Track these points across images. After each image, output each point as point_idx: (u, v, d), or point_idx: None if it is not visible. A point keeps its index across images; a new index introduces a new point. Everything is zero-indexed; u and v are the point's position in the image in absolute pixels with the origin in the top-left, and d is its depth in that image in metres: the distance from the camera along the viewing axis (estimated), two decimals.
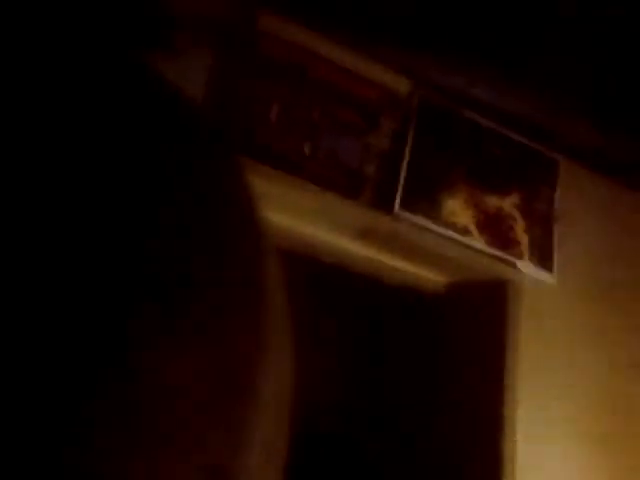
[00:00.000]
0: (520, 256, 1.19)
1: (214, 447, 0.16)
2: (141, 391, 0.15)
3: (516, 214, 1.21)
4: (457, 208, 1.17)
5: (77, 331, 0.15)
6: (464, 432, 1.18)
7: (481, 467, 1.11)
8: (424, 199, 1.16)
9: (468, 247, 1.16)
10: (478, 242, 1.17)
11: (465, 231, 1.17)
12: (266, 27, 1.16)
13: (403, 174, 1.15)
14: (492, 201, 1.20)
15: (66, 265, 0.15)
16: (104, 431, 0.14)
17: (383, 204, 1.14)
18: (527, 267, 1.19)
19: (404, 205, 1.14)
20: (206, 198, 0.18)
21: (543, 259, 1.20)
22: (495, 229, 1.19)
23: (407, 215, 1.14)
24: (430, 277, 1.21)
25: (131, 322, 0.15)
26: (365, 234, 1.14)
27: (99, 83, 0.18)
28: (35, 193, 0.15)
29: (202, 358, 0.16)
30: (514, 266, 1.19)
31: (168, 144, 0.18)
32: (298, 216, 1.14)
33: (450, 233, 1.16)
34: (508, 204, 1.21)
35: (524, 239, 1.20)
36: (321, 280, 1.20)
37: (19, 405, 0.14)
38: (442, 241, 1.15)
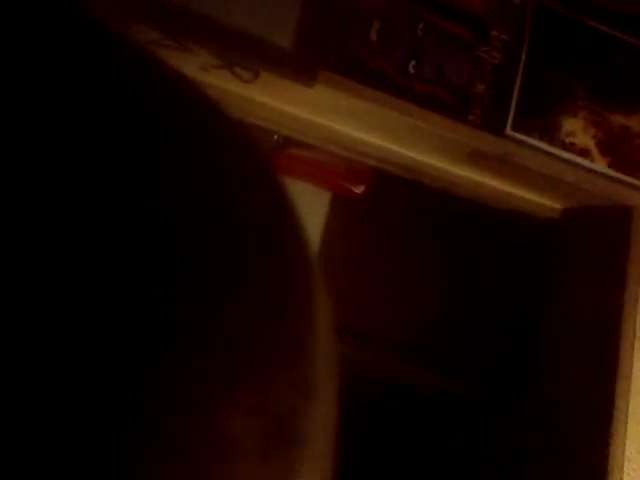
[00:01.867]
0: None
1: None
2: (193, 439, 0.15)
3: None
4: (576, 128, 1.07)
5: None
6: (576, 377, 1.12)
7: (595, 410, 1.04)
8: (539, 119, 1.07)
9: (588, 170, 1.07)
10: (599, 165, 1.07)
11: (585, 153, 1.07)
12: None
13: (516, 91, 1.06)
14: (617, 119, 1.09)
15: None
16: None
17: (494, 125, 1.06)
18: None
19: (517, 125, 1.06)
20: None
21: None
22: (619, 150, 1.08)
23: (520, 136, 1.05)
24: (545, 203, 1.12)
25: (178, 370, 0.15)
26: (474, 157, 1.07)
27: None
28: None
29: (251, 408, 0.16)
30: None
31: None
32: (402, 139, 1.08)
33: (568, 155, 1.06)
34: (636, 123, 1.09)
35: None
36: (425, 205, 1.14)
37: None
38: (559, 164, 1.06)
